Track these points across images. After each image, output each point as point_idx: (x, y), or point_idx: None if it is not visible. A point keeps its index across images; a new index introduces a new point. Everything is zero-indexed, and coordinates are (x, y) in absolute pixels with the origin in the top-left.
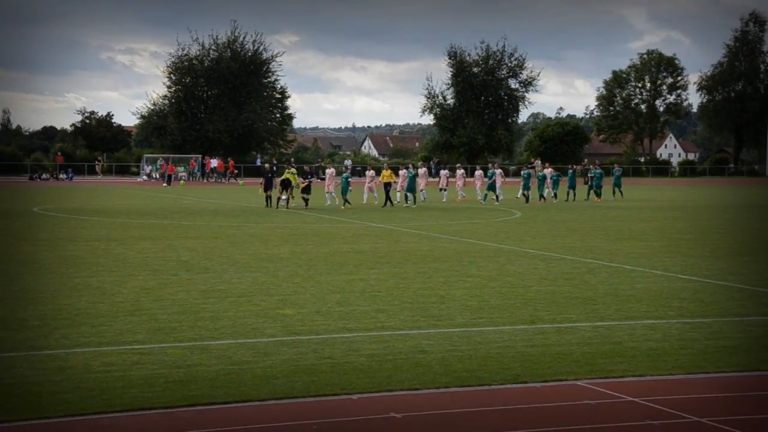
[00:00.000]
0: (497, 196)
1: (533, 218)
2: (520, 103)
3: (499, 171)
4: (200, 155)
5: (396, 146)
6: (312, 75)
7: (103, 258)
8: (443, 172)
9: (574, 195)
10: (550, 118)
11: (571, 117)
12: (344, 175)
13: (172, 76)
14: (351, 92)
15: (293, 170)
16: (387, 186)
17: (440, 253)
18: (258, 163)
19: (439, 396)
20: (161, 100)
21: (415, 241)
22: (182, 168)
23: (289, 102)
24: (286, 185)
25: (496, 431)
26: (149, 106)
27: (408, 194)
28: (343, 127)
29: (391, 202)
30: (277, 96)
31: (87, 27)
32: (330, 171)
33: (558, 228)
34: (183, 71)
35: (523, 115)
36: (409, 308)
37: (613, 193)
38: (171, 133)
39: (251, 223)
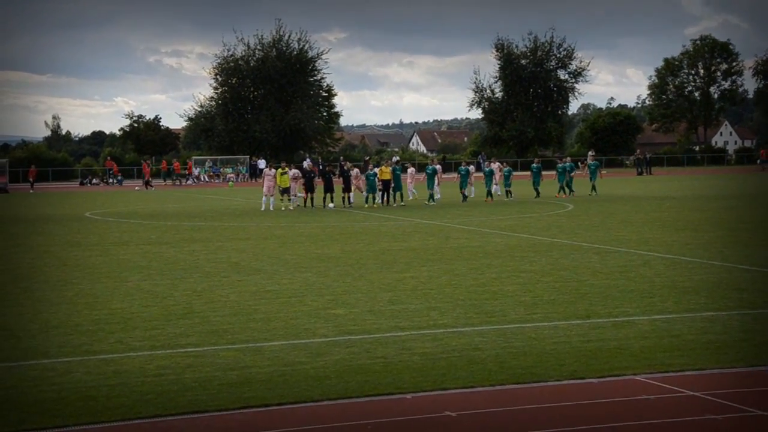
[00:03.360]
0: (489, 192)
1: (585, 211)
2: (569, 95)
3: (497, 165)
4: (248, 156)
5: (444, 141)
6: (359, 72)
7: (155, 261)
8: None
9: (568, 191)
10: (600, 109)
11: (622, 107)
12: (369, 172)
13: (218, 77)
14: (398, 88)
15: (285, 169)
16: (386, 184)
17: (491, 249)
18: (307, 163)
19: (494, 393)
20: (208, 102)
21: (466, 237)
22: (230, 170)
23: (335, 100)
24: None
25: (553, 428)
26: (196, 108)
27: (428, 192)
28: (390, 124)
29: (388, 201)
30: (324, 94)
31: (133, 30)
32: (355, 171)
33: (611, 220)
34: (229, 72)
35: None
36: (461, 305)
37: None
38: (218, 135)
39: (300, 223)
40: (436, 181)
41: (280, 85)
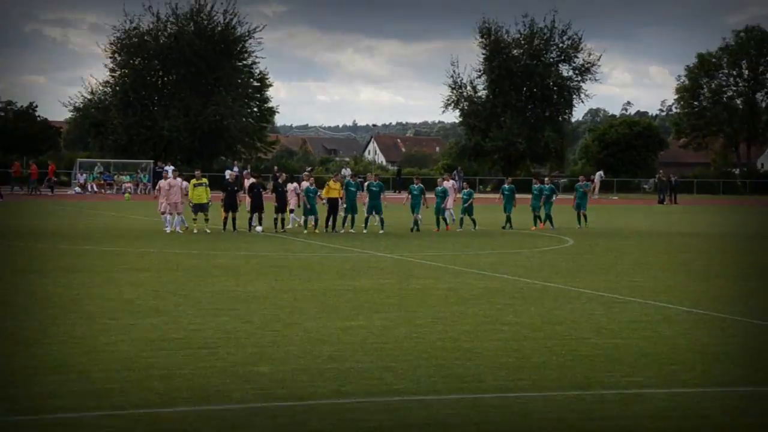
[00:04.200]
0: (444, 219)
1: (590, 248)
2: (574, 96)
3: (450, 183)
4: (152, 160)
5: (410, 151)
6: (303, 57)
7: (20, 296)
8: (448, 184)
9: (546, 222)
10: (614, 116)
11: (642, 115)
12: (308, 187)
13: (116, 56)
14: (353, 80)
15: (204, 180)
16: (333, 204)
17: (466, 293)
18: (233, 171)
19: None
20: (102, 88)
21: (433, 277)
22: (127, 177)
23: (270, 92)
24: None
25: None
26: (85, 95)
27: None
28: (341, 126)
29: (334, 226)
30: (255, 84)
31: None
32: (293, 186)
33: (623, 261)
34: (131, 50)
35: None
36: (424, 366)
37: (578, 219)
38: (114, 131)
39: (218, 251)
40: (445, 203)
41: (198, 70)
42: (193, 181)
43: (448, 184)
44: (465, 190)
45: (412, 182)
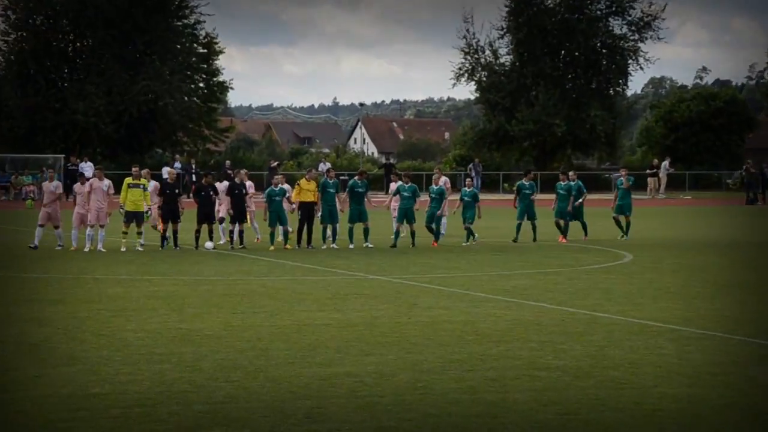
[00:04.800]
0: (437, 231)
1: (654, 264)
2: (630, 62)
3: (443, 180)
4: (62, 155)
5: (410, 138)
6: (264, 14)
7: None
8: (442, 180)
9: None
10: (684, 88)
11: (723, 85)
12: (271, 189)
13: (9, 13)
14: (332, 44)
15: (143, 181)
16: (306, 209)
17: (489, 327)
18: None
19: None
20: None
21: (445, 306)
22: (29, 178)
23: (221, 62)
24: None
25: None
26: None
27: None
28: (317, 106)
29: (309, 240)
30: (201, 51)
31: None
32: (250, 185)
33: (698, 281)
34: (30, 5)
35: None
36: (432, 426)
37: (619, 226)
38: (9, 116)
39: (155, 275)
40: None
41: (123, 33)
42: (129, 180)
43: (442, 180)
44: (468, 189)
45: (400, 179)
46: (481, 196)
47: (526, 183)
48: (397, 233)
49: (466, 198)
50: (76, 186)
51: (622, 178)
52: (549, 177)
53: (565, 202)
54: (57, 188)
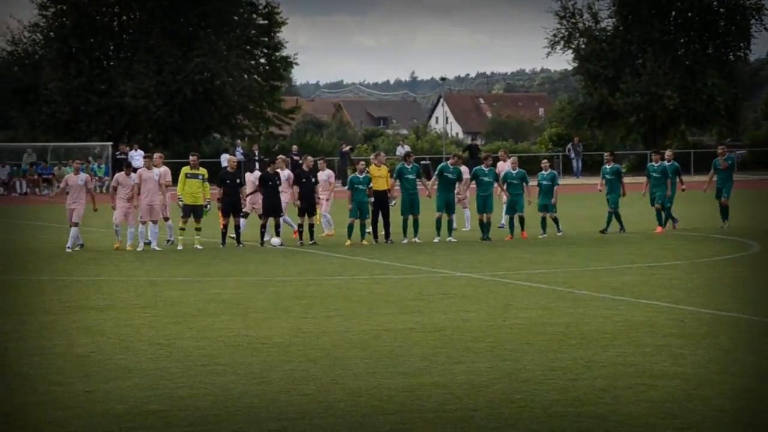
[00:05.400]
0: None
1: None
2: (752, 22)
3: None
4: (108, 143)
5: (499, 114)
6: None
7: None
8: (505, 163)
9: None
10: None
11: None
12: (354, 176)
13: None
14: (408, 10)
15: (202, 171)
16: (378, 198)
17: (595, 330)
18: (235, 155)
19: None
20: (29, 35)
21: (544, 306)
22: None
23: (284, 34)
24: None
25: None
26: (4, 46)
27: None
28: (393, 82)
29: (387, 233)
30: (261, 23)
31: None
32: (326, 174)
33: None
34: None
35: (760, 46)
36: None
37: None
38: (50, 101)
39: (216, 276)
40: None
41: (174, 3)
42: (186, 169)
43: (502, 163)
44: (546, 172)
45: (479, 162)
46: (583, 180)
47: (607, 167)
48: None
49: (543, 182)
50: (119, 176)
51: (719, 159)
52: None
53: (661, 186)
54: (87, 182)
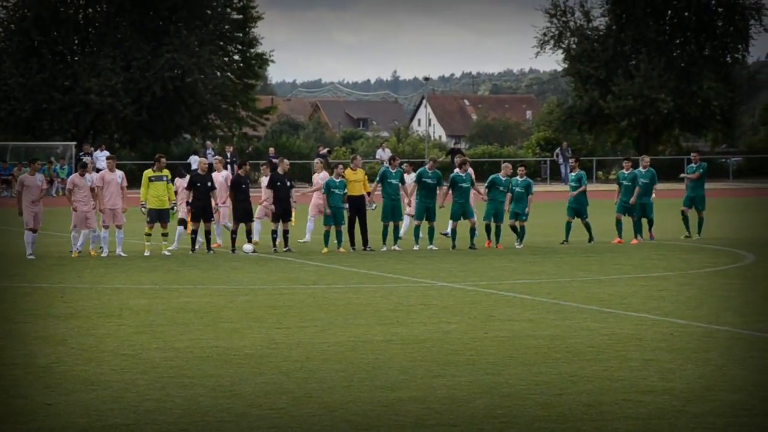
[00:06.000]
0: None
1: None
2: (751, 23)
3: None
4: (72, 143)
5: (483, 117)
6: None
7: None
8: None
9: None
10: None
11: None
12: (331, 180)
13: None
14: (392, 6)
15: (165, 172)
16: (354, 204)
17: (581, 343)
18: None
19: None
20: None
21: (528, 318)
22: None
23: (259, 29)
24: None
25: None
26: None
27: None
28: (374, 81)
29: (365, 240)
30: (235, 17)
31: None
32: (320, 176)
33: None
34: None
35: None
36: None
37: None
38: (10, 97)
39: (186, 284)
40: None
41: None
42: (149, 172)
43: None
44: (521, 179)
45: (455, 168)
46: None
47: (625, 172)
48: (454, 231)
49: (517, 189)
50: (74, 177)
51: (693, 165)
52: (653, 162)
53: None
54: (43, 183)
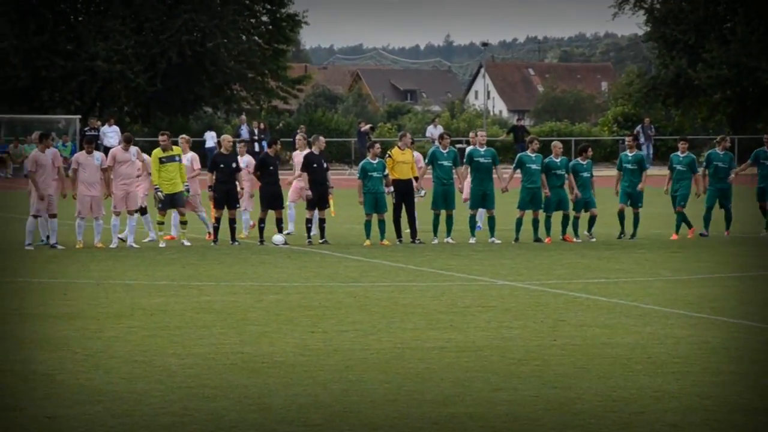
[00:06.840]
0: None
1: None
2: None
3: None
4: (76, 116)
5: (551, 89)
6: None
7: None
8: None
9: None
10: None
11: None
12: (366, 162)
13: None
14: None
15: (176, 150)
16: (401, 189)
17: (663, 353)
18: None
19: None
20: None
21: (603, 323)
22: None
23: None
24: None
25: None
26: None
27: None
28: (423, 47)
29: (413, 232)
30: None
31: None
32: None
33: None
34: None
35: None
36: None
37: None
38: (2, 61)
39: (206, 281)
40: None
41: None
42: (158, 152)
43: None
44: (683, 155)
45: (525, 146)
46: (655, 170)
47: (681, 155)
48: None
49: (678, 167)
50: (79, 156)
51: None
52: (750, 143)
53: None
54: (55, 159)
